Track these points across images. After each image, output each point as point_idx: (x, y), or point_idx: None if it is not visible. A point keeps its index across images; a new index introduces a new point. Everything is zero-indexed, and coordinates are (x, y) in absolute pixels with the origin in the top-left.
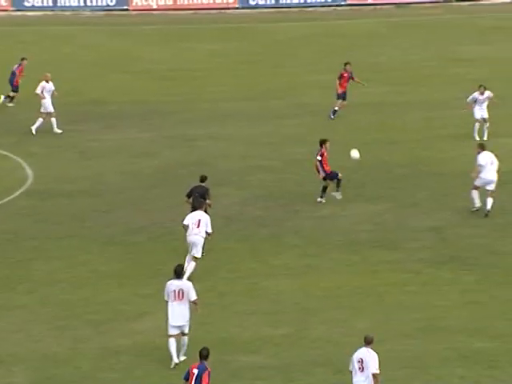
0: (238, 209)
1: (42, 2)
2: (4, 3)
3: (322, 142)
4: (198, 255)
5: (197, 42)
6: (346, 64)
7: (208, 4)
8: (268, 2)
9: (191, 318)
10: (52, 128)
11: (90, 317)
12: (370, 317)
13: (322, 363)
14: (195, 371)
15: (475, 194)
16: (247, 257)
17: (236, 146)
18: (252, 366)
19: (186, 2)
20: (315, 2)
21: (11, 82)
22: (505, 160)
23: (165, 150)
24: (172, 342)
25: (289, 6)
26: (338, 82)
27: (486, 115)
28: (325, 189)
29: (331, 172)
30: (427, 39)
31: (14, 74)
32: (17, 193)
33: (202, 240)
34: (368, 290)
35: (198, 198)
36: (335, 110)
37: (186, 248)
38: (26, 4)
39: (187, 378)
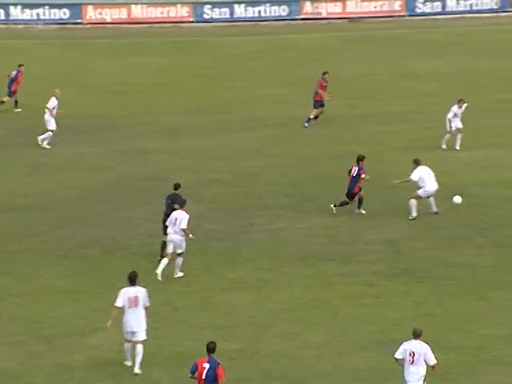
0: (193, 222)
1: None
2: None
3: (361, 160)
4: (182, 250)
5: (150, 56)
6: (324, 73)
7: (162, 18)
8: (223, 16)
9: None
10: (40, 142)
11: (44, 332)
12: (325, 330)
13: (277, 377)
14: (206, 365)
15: (414, 203)
16: (202, 270)
17: (189, 160)
18: None
19: (140, 16)
20: (269, 16)
21: (9, 87)
22: (458, 173)
23: (118, 164)
24: (127, 347)
25: (243, 20)
26: (319, 90)
27: (460, 126)
28: (360, 201)
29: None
30: (380, 53)
31: (13, 80)
32: None
33: (181, 238)
34: (322, 303)
35: (170, 205)
36: (310, 119)
37: (139, 261)
38: None
39: (194, 371)
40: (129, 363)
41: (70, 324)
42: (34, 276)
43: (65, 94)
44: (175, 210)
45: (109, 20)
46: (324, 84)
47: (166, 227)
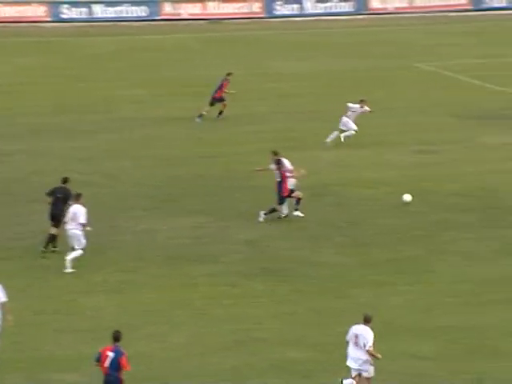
0: None
1: None
2: None
3: (277, 159)
4: (81, 246)
5: (7, 56)
6: (228, 74)
7: (19, 17)
8: (81, 16)
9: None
10: None
11: None
12: (189, 330)
13: (142, 379)
14: (110, 354)
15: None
16: (65, 273)
17: (51, 161)
18: None
19: None
20: (129, 16)
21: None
22: (316, 173)
23: None
24: None
25: (103, 20)
26: (217, 90)
27: (354, 127)
28: (298, 201)
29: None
30: (241, 55)
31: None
32: None
33: (79, 232)
34: (187, 304)
35: (60, 202)
36: (202, 114)
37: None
38: None
39: (99, 359)
40: None
41: None
42: None
43: None
44: (65, 203)
45: None
46: (226, 84)
47: (55, 220)
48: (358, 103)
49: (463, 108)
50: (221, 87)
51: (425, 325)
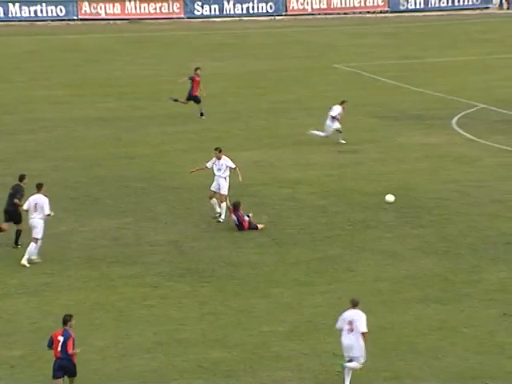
0: None
1: None
2: None
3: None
4: (38, 236)
5: None
6: (196, 69)
7: None
8: None
9: None
10: None
11: None
12: (109, 332)
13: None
14: (60, 338)
15: (214, 201)
16: None
17: None
18: None
19: None
20: (46, 16)
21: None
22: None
23: None
24: None
25: (19, 20)
26: (192, 86)
27: (339, 126)
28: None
29: None
30: (161, 55)
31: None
32: None
33: (41, 222)
34: (107, 306)
35: (9, 198)
36: (175, 98)
37: None
38: None
39: (51, 345)
40: None
41: None
42: None
43: None
44: (13, 198)
45: None
46: (197, 79)
47: (7, 215)
48: (340, 104)
49: (382, 108)
50: (194, 84)
51: None
